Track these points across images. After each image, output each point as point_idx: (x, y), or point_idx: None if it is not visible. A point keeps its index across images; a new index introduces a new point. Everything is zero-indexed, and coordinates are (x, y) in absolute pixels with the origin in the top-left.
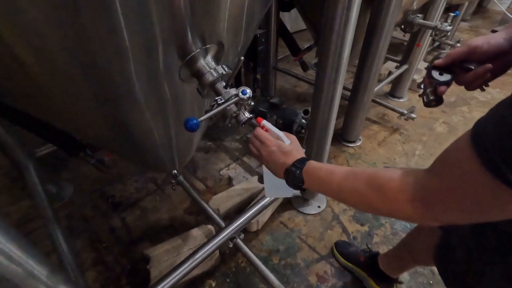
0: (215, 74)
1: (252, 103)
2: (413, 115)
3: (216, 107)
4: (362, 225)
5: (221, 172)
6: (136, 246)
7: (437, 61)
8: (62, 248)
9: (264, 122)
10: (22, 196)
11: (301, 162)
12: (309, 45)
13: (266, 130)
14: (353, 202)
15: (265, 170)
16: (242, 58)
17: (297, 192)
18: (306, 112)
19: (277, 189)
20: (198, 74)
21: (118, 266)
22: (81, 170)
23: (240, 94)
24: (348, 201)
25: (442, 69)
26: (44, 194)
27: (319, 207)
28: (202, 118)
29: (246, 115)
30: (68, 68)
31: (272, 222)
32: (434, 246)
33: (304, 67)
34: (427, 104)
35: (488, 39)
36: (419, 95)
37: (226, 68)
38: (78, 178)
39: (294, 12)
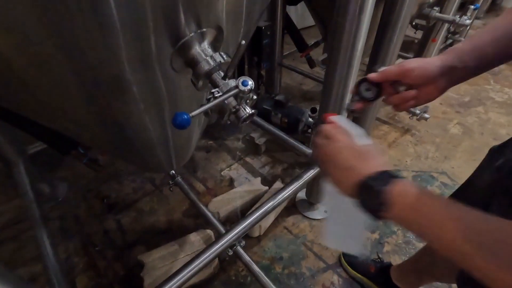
0: (211, 63)
1: (255, 97)
2: (426, 115)
3: (212, 101)
4: (372, 232)
5: (222, 173)
6: (130, 251)
7: (370, 75)
8: (47, 254)
9: (336, 118)
10: (16, 194)
11: (386, 176)
12: (316, 40)
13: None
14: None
15: (329, 203)
16: (243, 42)
17: (367, 252)
18: (313, 110)
19: (344, 238)
20: (192, 63)
21: (111, 271)
22: (77, 168)
23: (241, 85)
24: (484, 270)
25: (372, 84)
26: (33, 194)
27: (325, 211)
28: (194, 113)
29: (248, 111)
30: (51, 55)
31: (275, 228)
32: None
33: (311, 63)
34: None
35: (421, 64)
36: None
37: (224, 56)
38: (73, 177)
39: (301, 8)
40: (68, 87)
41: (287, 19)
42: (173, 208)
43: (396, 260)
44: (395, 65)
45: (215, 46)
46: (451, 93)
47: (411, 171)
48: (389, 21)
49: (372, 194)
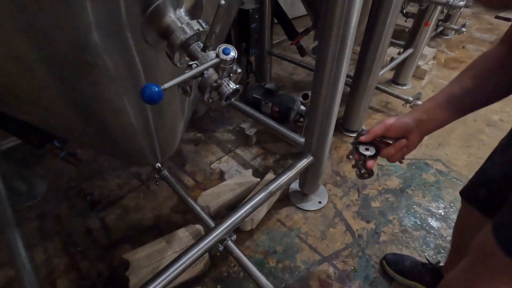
0: (188, 31)
1: (239, 70)
2: (419, 102)
3: (191, 71)
4: (368, 222)
5: (212, 166)
6: (115, 250)
7: (362, 138)
8: (20, 258)
9: None
10: None
11: None
12: (307, 27)
13: None
14: None
15: None
16: (223, 2)
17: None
18: (305, 96)
19: None
20: (166, 32)
21: (94, 272)
22: (58, 165)
23: (221, 53)
24: None
25: (366, 144)
26: (5, 192)
27: (320, 202)
28: (166, 85)
29: (231, 86)
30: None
31: (268, 220)
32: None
33: (302, 51)
34: (361, 177)
35: (398, 119)
36: (352, 166)
37: (203, 24)
38: (52, 174)
39: None
40: (29, 62)
41: (276, 5)
42: (161, 204)
43: (393, 249)
44: (377, 124)
45: (194, 14)
46: (443, 80)
47: (406, 159)
48: (382, 3)
49: None
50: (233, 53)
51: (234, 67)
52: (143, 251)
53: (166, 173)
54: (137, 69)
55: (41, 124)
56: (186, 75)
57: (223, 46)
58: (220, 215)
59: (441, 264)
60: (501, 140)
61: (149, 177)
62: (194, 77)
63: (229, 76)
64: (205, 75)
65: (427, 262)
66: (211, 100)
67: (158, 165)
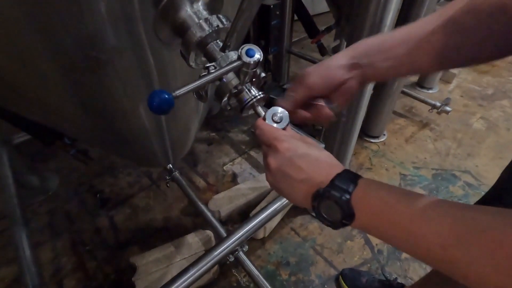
0: (206, 28)
1: (263, 75)
2: (448, 108)
3: (207, 75)
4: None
5: (224, 168)
6: (123, 251)
7: (279, 105)
8: (25, 257)
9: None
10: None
11: (347, 180)
12: (329, 25)
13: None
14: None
15: None
16: None
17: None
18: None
19: None
20: (181, 29)
21: (101, 274)
22: (70, 160)
23: (244, 55)
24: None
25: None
26: (15, 189)
27: None
28: (178, 92)
29: (254, 93)
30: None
31: (281, 229)
32: None
33: (323, 50)
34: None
35: (323, 72)
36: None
37: (224, 20)
38: (65, 169)
39: None
40: (36, 60)
41: (297, 0)
42: (171, 205)
43: (416, 269)
44: (297, 84)
45: (213, 8)
46: (472, 84)
47: (430, 169)
48: None
49: (334, 205)
50: (258, 55)
51: (258, 71)
52: (150, 256)
53: (177, 174)
54: (150, 68)
55: (50, 124)
56: (202, 80)
57: (247, 46)
58: (231, 220)
59: (399, 281)
60: None
61: (160, 176)
62: (211, 81)
63: (251, 81)
64: (224, 80)
65: (385, 278)
66: (228, 108)
67: (170, 166)
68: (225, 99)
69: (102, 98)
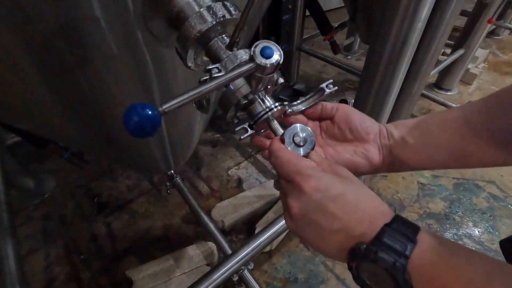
0: (208, 19)
1: (281, 80)
2: None
3: (207, 83)
4: None
5: (229, 172)
6: (119, 262)
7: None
8: (9, 273)
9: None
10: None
11: (401, 235)
12: (342, 21)
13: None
14: None
15: None
16: None
17: None
18: (343, 102)
19: None
20: (177, 20)
21: (95, 286)
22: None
23: (259, 56)
24: None
25: None
26: (4, 194)
27: None
28: (167, 107)
29: (269, 104)
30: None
31: (289, 241)
32: None
33: (335, 48)
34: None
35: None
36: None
37: (232, 9)
38: (62, 170)
39: None
40: (13, 58)
41: None
42: (171, 212)
43: None
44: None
45: None
46: (494, 86)
47: (451, 178)
48: None
49: (380, 272)
50: (277, 56)
51: (275, 76)
52: (148, 269)
53: (179, 180)
54: (146, 63)
55: (39, 133)
56: (199, 90)
57: (262, 43)
58: (235, 230)
59: None
60: None
61: (161, 180)
62: (213, 90)
63: (265, 88)
64: (231, 87)
65: None
66: (235, 121)
67: (171, 172)
68: (231, 111)
69: (90, 101)
